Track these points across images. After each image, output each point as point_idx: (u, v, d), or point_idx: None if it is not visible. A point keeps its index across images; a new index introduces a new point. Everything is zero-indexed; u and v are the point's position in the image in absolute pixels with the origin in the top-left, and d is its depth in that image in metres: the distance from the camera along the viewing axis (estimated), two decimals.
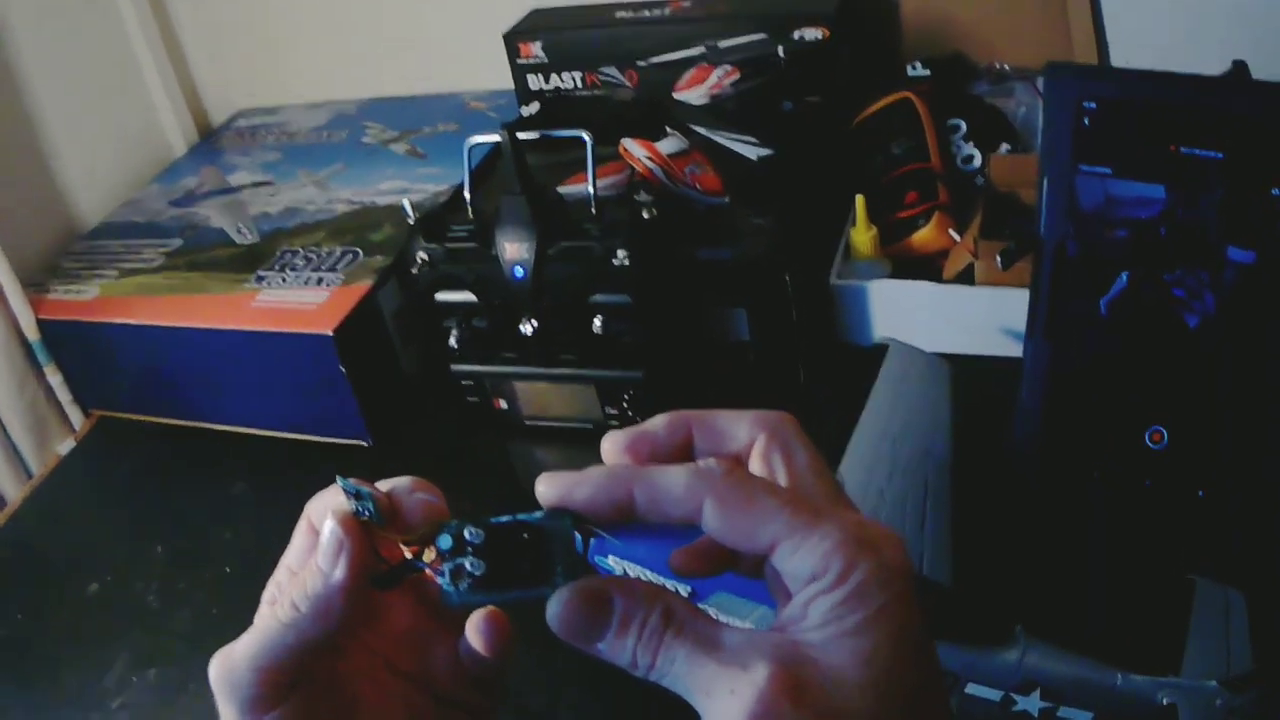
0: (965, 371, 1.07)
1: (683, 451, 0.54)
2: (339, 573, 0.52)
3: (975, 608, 0.84)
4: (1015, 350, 1.01)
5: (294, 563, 0.58)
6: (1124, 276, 0.91)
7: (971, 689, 0.78)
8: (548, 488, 0.52)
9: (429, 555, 0.53)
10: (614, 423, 1.14)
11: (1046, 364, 0.97)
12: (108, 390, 1.40)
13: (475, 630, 0.59)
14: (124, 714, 1.03)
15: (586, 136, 1.07)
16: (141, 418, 1.38)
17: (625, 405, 1.13)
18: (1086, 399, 0.96)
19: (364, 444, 1.24)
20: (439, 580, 0.52)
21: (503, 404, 1.19)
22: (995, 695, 0.78)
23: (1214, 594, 0.83)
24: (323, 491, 0.57)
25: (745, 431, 0.53)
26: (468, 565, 0.52)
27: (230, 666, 0.54)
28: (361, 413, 1.21)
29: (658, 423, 0.54)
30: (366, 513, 0.53)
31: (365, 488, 0.53)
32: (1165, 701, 0.75)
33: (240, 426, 1.31)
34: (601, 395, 1.14)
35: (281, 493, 1.20)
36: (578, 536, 0.52)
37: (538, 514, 0.52)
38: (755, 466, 0.53)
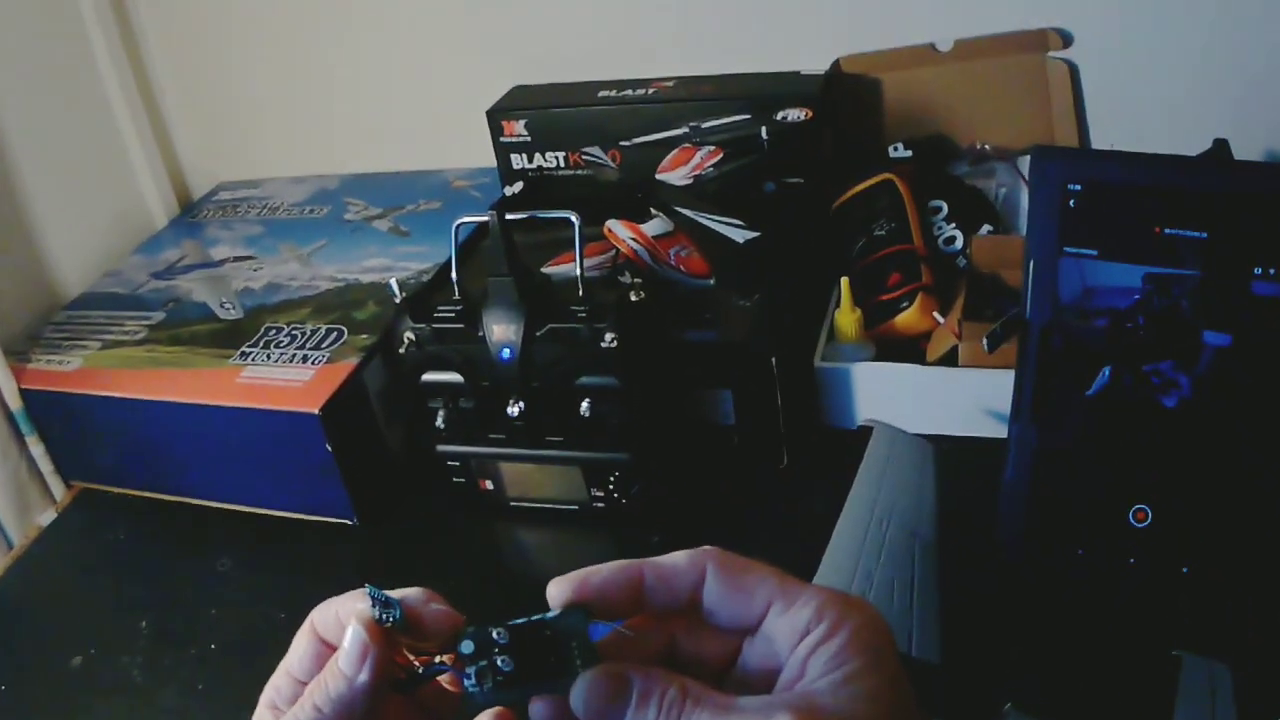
0: (948, 452, 1.08)
1: (633, 591, 0.57)
2: (364, 676, 0.55)
3: (965, 687, 0.85)
4: (998, 431, 1.01)
5: (295, 667, 0.60)
6: (1106, 371, 0.92)
7: None
8: (560, 588, 0.57)
9: (444, 659, 0.56)
10: (599, 504, 1.15)
11: (1032, 445, 0.97)
12: (89, 462, 1.39)
13: None
14: None
15: (575, 219, 1.08)
16: (124, 491, 1.37)
17: (610, 487, 1.13)
18: (1070, 479, 0.97)
19: (349, 523, 1.23)
20: (465, 682, 0.55)
21: (488, 485, 1.18)
22: None
23: (1199, 669, 0.84)
24: (330, 600, 0.59)
25: (687, 565, 0.57)
26: (499, 663, 0.55)
27: None
28: (347, 492, 1.21)
29: (610, 565, 0.58)
30: (391, 619, 0.56)
31: (394, 596, 0.57)
32: None
33: (224, 503, 1.30)
34: (587, 477, 1.14)
35: (267, 571, 1.22)
36: (592, 628, 0.56)
37: (550, 613, 0.56)
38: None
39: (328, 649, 0.59)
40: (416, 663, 0.58)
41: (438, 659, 0.57)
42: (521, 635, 0.55)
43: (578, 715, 0.54)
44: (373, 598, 0.56)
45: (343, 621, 0.57)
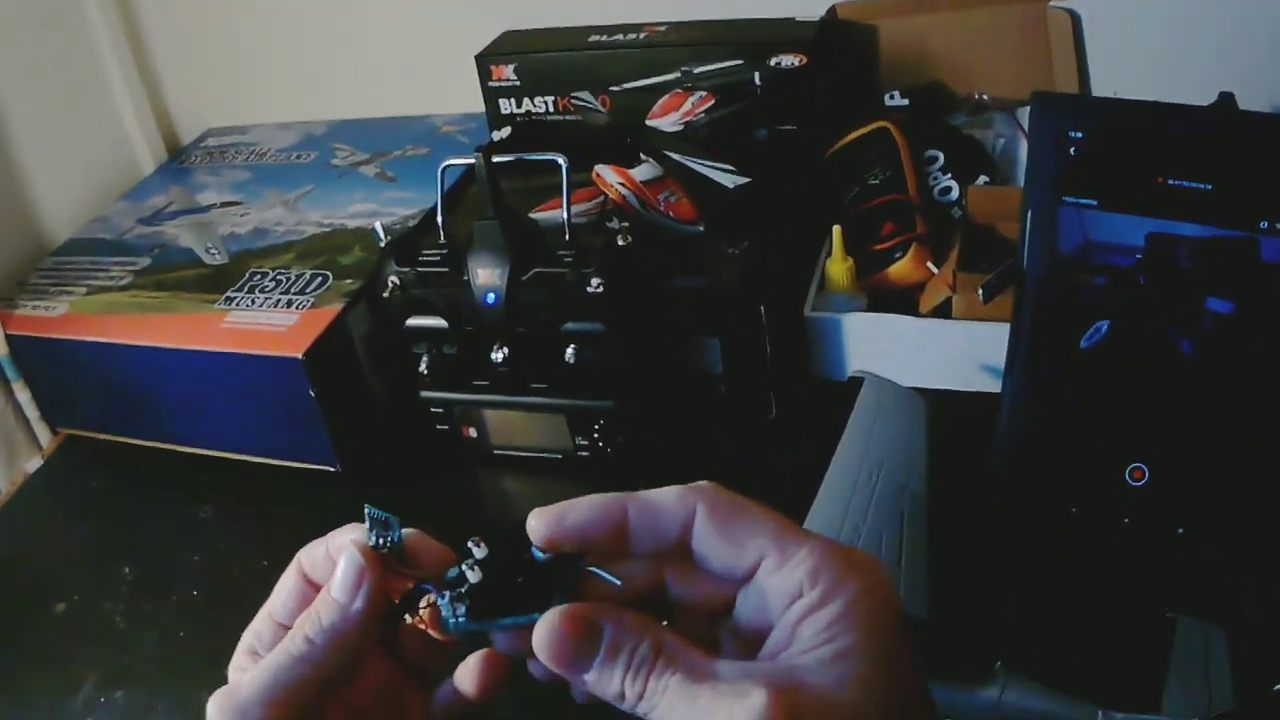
0: (940, 406, 1.07)
1: (616, 530, 0.53)
2: (359, 603, 0.53)
3: (954, 643, 0.84)
4: (992, 385, 1.00)
5: (279, 610, 0.58)
6: (1103, 326, 0.90)
7: None
8: (539, 520, 0.53)
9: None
10: (584, 453, 1.14)
11: (1026, 400, 0.96)
12: (76, 408, 1.39)
13: (469, 673, 0.57)
14: None
15: (562, 161, 1.07)
16: (109, 437, 1.37)
17: (595, 435, 1.12)
18: (1065, 435, 0.95)
19: (332, 470, 1.22)
20: (439, 605, 0.54)
21: (472, 432, 1.17)
22: None
23: (1194, 631, 0.83)
24: (319, 539, 0.57)
25: (676, 503, 0.52)
26: (467, 572, 0.53)
27: (238, 704, 0.54)
28: (330, 438, 1.20)
29: (590, 500, 0.54)
30: (390, 543, 0.54)
31: (395, 517, 0.55)
32: None
33: (208, 449, 1.30)
34: (571, 425, 1.13)
35: (249, 517, 1.22)
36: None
37: (543, 557, 0.53)
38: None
39: (315, 591, 0.57)
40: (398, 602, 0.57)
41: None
42: (502, 556, 0.53)
43: (539, 657, 0.50)
44: (371, 517, 0.55)
45: (334, 558, 0.55)
